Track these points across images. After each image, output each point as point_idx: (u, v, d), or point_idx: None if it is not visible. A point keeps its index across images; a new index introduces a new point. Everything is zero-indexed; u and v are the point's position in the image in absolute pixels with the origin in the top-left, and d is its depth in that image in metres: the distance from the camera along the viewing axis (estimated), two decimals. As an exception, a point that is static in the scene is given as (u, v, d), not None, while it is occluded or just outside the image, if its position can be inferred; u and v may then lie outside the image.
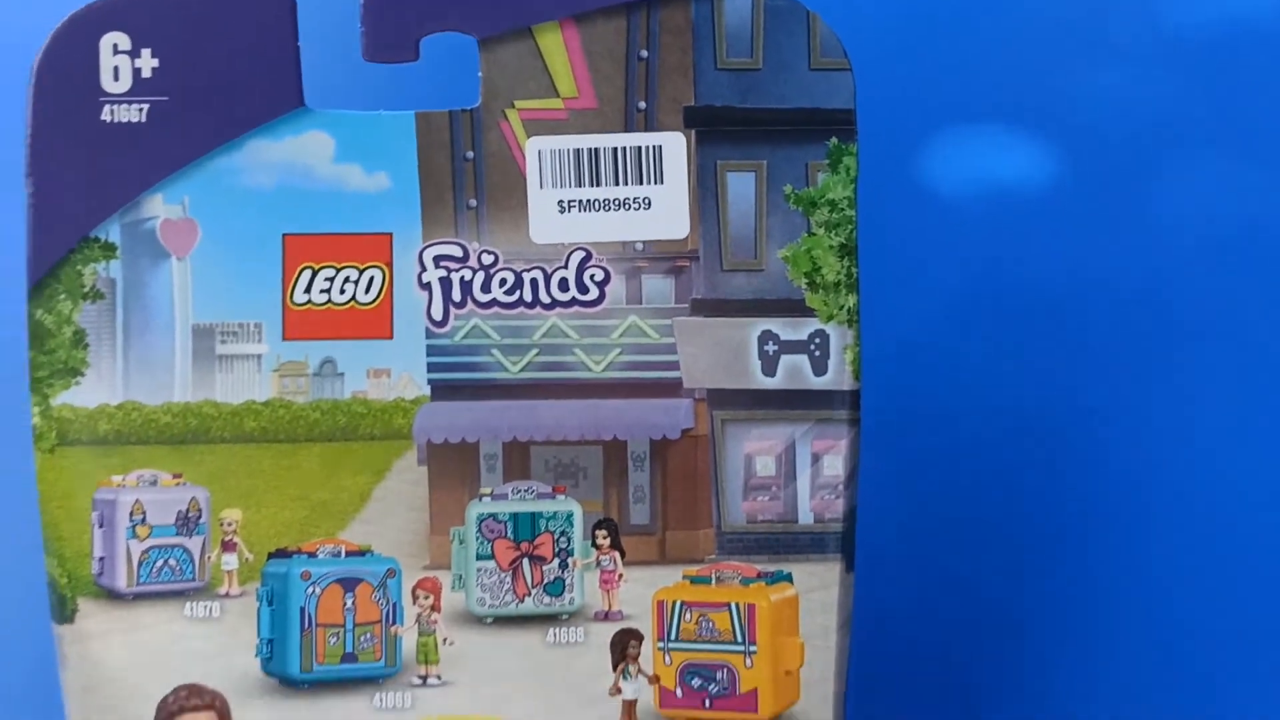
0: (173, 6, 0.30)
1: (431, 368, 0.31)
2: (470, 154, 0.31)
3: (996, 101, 0.45)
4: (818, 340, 0.31)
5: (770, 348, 0.31)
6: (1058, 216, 0.44)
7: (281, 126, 0.30)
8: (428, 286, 0.31)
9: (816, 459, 0.31)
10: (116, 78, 0.30)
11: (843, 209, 0.31)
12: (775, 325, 0.31)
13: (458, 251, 0.31)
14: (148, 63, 0.30)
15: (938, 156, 0.44)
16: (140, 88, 0.30)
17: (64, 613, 0.30)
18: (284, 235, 0.30)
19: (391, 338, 0.31)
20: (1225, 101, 0.45)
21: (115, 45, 0.30)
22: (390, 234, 0.31)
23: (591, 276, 0.31)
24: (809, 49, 0.31)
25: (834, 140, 0.31)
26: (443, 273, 0.31)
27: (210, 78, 0.30)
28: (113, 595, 0.30)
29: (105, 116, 0.30)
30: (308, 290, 0.30)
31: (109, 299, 0.30)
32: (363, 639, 0.30)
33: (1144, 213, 0.44)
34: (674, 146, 0.31)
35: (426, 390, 0.31)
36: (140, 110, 0.30)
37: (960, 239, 0.44)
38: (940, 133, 0.44)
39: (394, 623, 0.31)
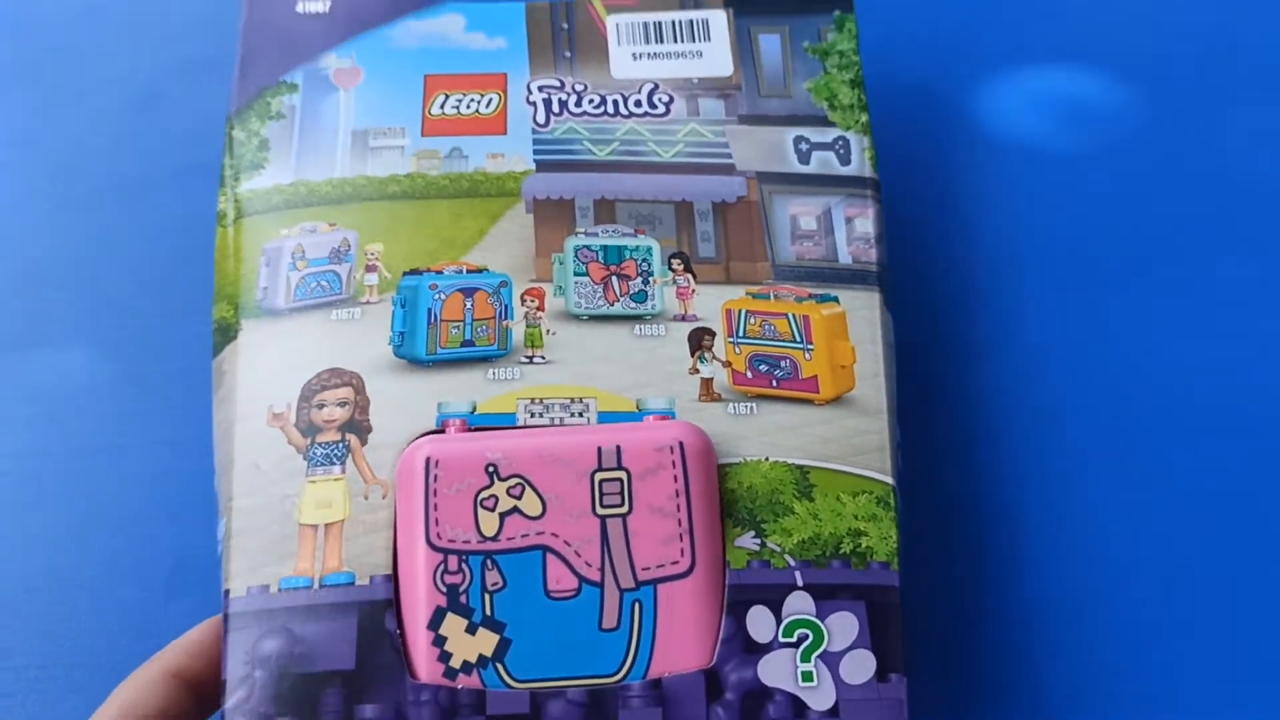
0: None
1: (537, 152, 0.39)
2: (565, 25, 0.42)
3: (1062, 42, 0.47)
4: (841, 142, 0.40)
5: (804, 146, 0.40)
6: (1127, 158, 0.45)
7: (426, 11, 0.42)
8: (533, 103, 0.40)
9: (849, 220, 0.39)
10: (311, -13, 0.42)
11: (849, 56, 0.41)
12: (806, 131, 0.40)
13: (556, 83, 0.41)
14: (335, -22, 0.42)
15: (1004, 97, 0.46)
16: (327, -7, 0.42)
17: (227, 338, 0.36)
18: (425, 75, 0.41)
19: (505, 133, 0.40)
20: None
21: (312, -31, 0.42)
22: (505, 74, 0.41)
23: (660, 98, 0.41)
24: (810, -43, 0.43)
25: (838, 12, 0.42)
26: (545, 95, 0.40)
27: (378, -11, 0.42)
28: (273, 313, 0.36)
29: (299, 8, 0.42)
30: (441, 107, 0.40)
31: (289, 119, 0.40)
32: (479, 329, 0.36)
33: (1214, 156, 0.45)
34: (717, 19, 0.42)
35: (533, 166, 0.39)
36: (324, 4, 0.42)
37: (1025, 181, 0.45)
38: (1005, 72, 0.46)
39: (506, 318, 0.36)
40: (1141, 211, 0.44)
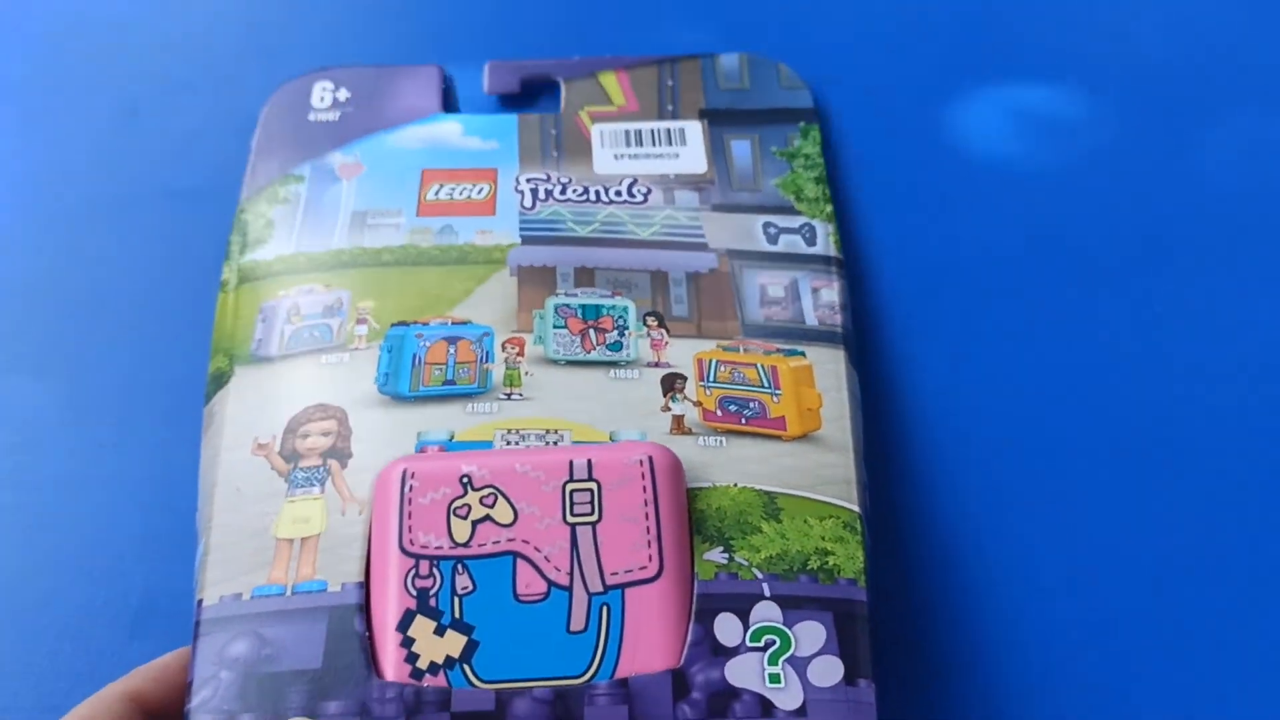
0: (366, 77, 0.47)
1: (523, 229, 0.42)
2: (554, 131, 0.46)
3: (1033, 57, 0.48)
4: (807, 228, 0.43)
5: (772, 230, 0.43)
6: (1099, 173, 0.45)
7: (426, 121, 0.46)
8: (521, 191, 0.44)
9: (815, 290, 0.41)
10: (321, 100, 0.46)
11: (814, 158, 0.45)
12: (774, 218, 0.44)
13: (543, 176, 0.44)
14: (344, 93, 0.47)
15: (976, 113, 0.47)
16: (336, 105, 0.46)
17: (220, 384, 0.38)
18: (422, 169, 0.44)
19: (494, 214, 0.43)
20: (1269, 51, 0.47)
21: (323, 85, 0.47)
22: (496, 168, 0.45)
23: (639, 189, 0.44)
24: (778, 77, 0.48)
25: (803, 123, 0.46)
26: (533, 185, 0.44)
27: (382, 102, 0.46)
28: (265, 360, 0.39)
29: (311, 118, 0.46)
30: (436, 193, 0.44)
31: (294, 204, 0.43)
32: (461, 371, 0.38)
33: (1188, 169, 0.45)
34: (693, 127, 0.46)
35: (519, 240, 0.42)
36: (335, 114, 0.46)
37: (998, 197, 0.45)
38: (979, 89, 0.47)
39: (487, 362, 0.39)
40: (1115, 226, 0.45)
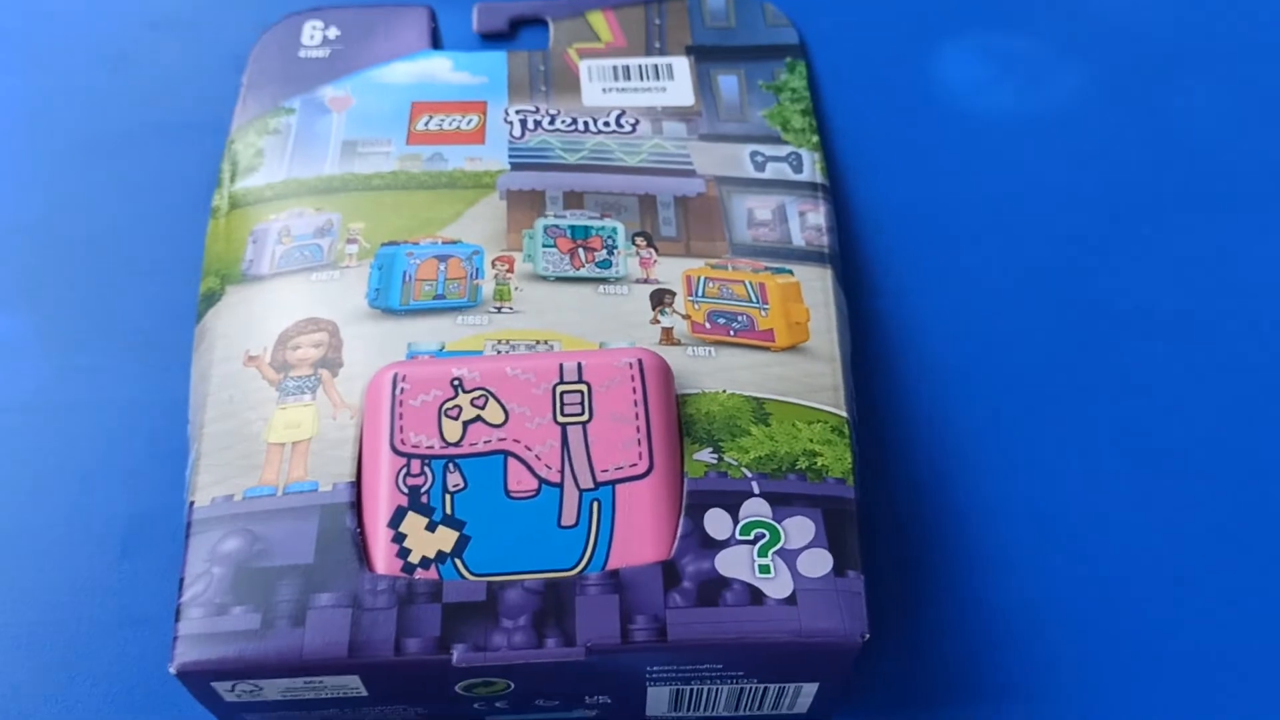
0: (355, 16, 0.48)
1: (512, 156, 0.43)
2: (542, 67, 0.46)
3: (1013, 12, 0.48)
4: (794, 156, 0.44)
5: (759, 158, 0.44)
6: (1077, 131, 0.45)
7: (415, 57, 0.46)
8: (510, 122, 0.44)
9: (802, 214, 0.42)
10: (311, 38, 0.47)
11: (800, 92, 0.46)
12: (761, 147, 0.44)
13: (533, 108, 0.45)
14: (333, 31, 0.47)
15: (957, 53, 0.47)
16: (326, 43, 0.47)
17: (211, 302, 0.39)
18: (412, 102, 0.45)
19: (484, 143, 0.43)
20: (1247, 15, 0.47)
21: (313, 24, 0.47)
22: (485, 101, 0.45)
23: (627, 120, 0.44)
24: (763, 16, 0.48)
25: (789, 59, 0.47)
26: (521, 116, 0.44)
27: (371, 41, 0.47)
28: (256, 278, 0.39)
29: (301, 54, 0.46)
30: (426, 124, 0.44)
31: (285, 134, 0.44)
32: (451, 286, 0.38)
33: (1165, 130, 0.45)
34: (680, 63, 0.47)
35: (508, 167, 0.42)
36: (325, 51, 0.46)
37: (977, 135, 0.45)
38: (961, 29, 0.47)
39: (477, 278, 0.39)
40: (1091, 169, 0.45)
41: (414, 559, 0.32)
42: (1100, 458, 0.38)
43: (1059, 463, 0.38)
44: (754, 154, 0.43)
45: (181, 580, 0.32)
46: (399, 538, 0.32)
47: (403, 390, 0.34)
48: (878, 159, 0.45)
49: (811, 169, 0.42)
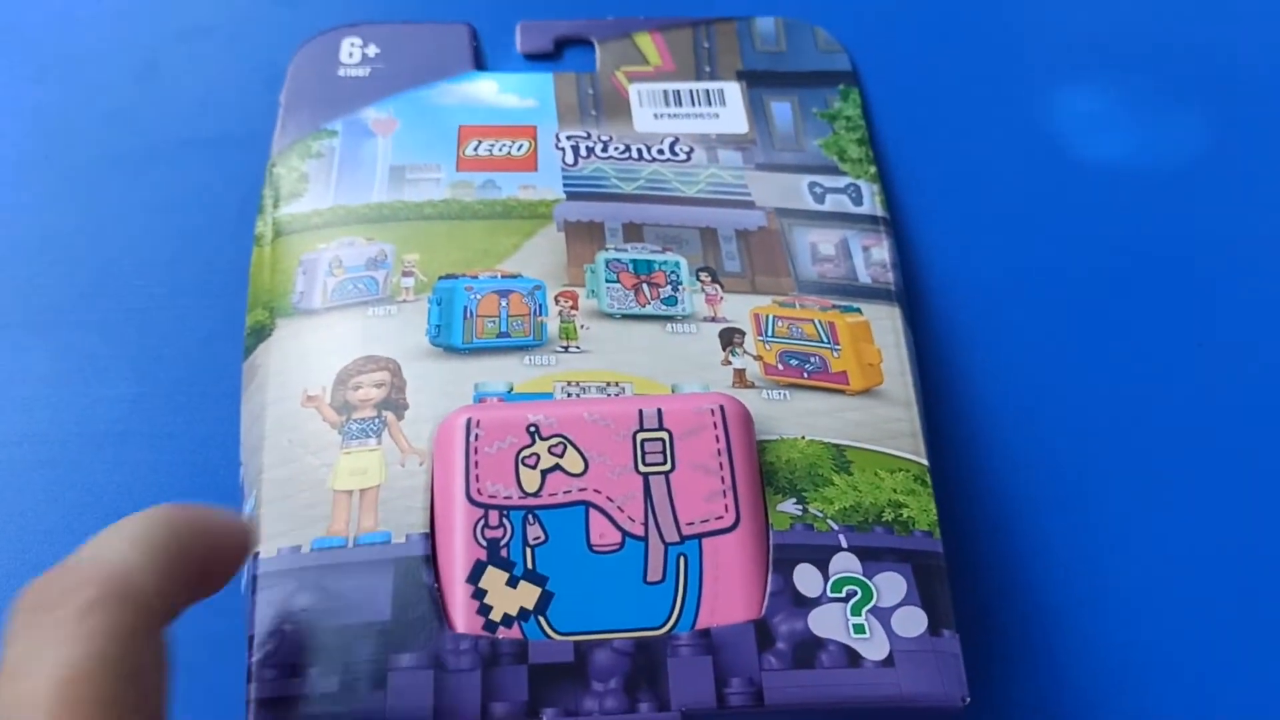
0: (395, 33, 0.46)
1: (566, 185, 0.41)
2: (591, 90, 0.45)
3: (1131, 55, 0.47)
4: (853, 188, 0.43)
5: (818, 189, 0.43)
6: (1199, 188, 0.44)
7: (460, 79, 0.45)
8: (562, 148, 0.43)
9: (866, 249, 0.41)
10: (350, 56, 0.45)
11: (855, 120, 0.45)
12: (819, 178, 0.43)
13: (583, 134, 0.43)
14: (373, 49, 0.46)
15: (1011, 100, 0.46)
16: (365, 61, 0.45)
17: (261, 337, 0.37)
18: (459, 126, 0.43)
19: (536, 170, 0.42)
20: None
21: (352, 41, 0.46)
22: (535, 125, 0.44)
23: (681, 148, 0.43)
24: (814, 40, 0.47)
25: (842, 85, 0.46)
26: (573, 142, 0.43)
27: (412, 60, 0.45)
28: (308, 312, 0.37)
29: (340, 73, 0.45)
30: (475, 149, 0.42)
31: (329, 158, 0.42)
32: (514, 323, 0.37)
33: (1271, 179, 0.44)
34: (731, 88, 0.45)
35: (564, 196, 0.41)
36: (365, 70, 0.45)
37: (1096, 204, 0.44)
38: (1013, 74, 0.46)
39: (541, 315, 0.37)
40: (1156, 213, 0.44)
41: (496, 616, 0.30)
42: (1194, 501, 0.37)
43: (1144, 508, 0.37)
44: (813, 185, 0.42)
45: (251, 638, 0.30)
46: (479, 594, 0.30)
47: (477, 437, 0.32)
48: (933, 191, 0.44)
49: (871, 201, 0.41)
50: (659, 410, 0.33)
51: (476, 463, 0.32)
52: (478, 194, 0.40)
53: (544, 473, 0.32)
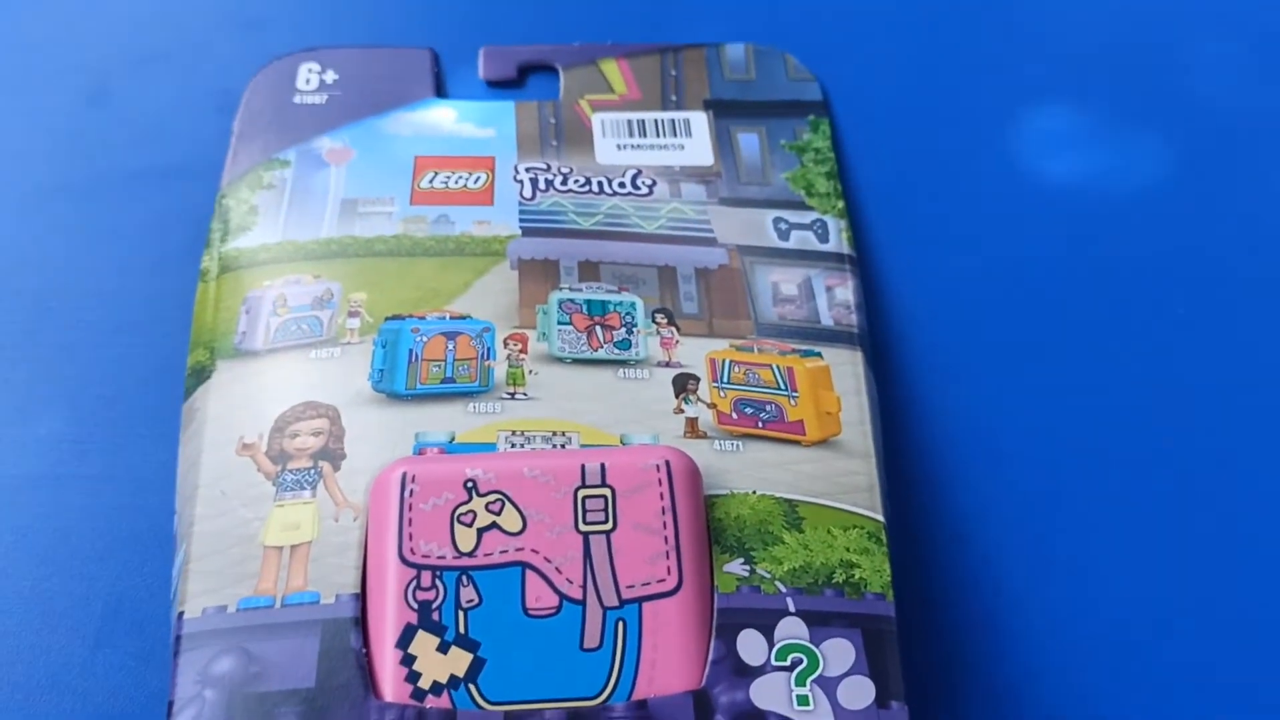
0: (354, 59, 0.45)
1: (523, 220, 0.40)
2: (553, 120, 0.44)
3: (1098, 82, 0.46)
4: (819, 224, 0.41)
5: (783, 225, 0.41)
6: (1160, 208, 0.43)
7: (418, 106, 0.44)
8: (520, 180, 0.41)
9: (830, 289, 0.40)
10: (308, 82, 0.44)
11: (824, 152, 0.43)
12: (785, 213, 0.42)
13: (543, 165, 0.42)
14: (331, 75, 0.44)
15: (1036, 139, 0.44)
16: (323, 88, 0.44)
17: (201, 379, 0.36)
18: (415, 156, 0.42)
19: (493, 204, 0.41)
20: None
21: (309, 67, 0.44)
22: (494, 156, 0.42)
23: (643, 181, 0.42)
24: (785, 69, 0.46)
25: (812, 116, 0.44)
26: (532, 174, 0.42)
27: (371, 86, 0.44)
28: (249, 353, 0.36)
29: (296, 100, 0.43)
30: (430, 181, 0.41)
31: (280, 189, 0.41)
32: (461, 368, 0.36)
33: (1256, 210, 0.43)
34: (698, 118, 0.44)
35: (519, 232, 0.40)
36: (322, 96, 0.44)
37: (1010, 198, 0.43)
38: (992, 106, 0.45)
39: (488, 359, 0.36)
40: (1129, 236, 0.43)
41: (425, 684, 0.29)
42: (1162, 558, 0.36)
43: (1114, 567, 0.36)
44: (777, 220, 0.41)
45: (171, 704, 0.29)
46: (408, 659, 0.29)
47: (412, 492, 0.31)
48: (902, 226, 0.43)
49: (838, 238, 0.40)
50: (602, 465, 0.32)
51: (410, 520, 0.31)
52: (431, 229, 0.39)
53: (480, 531, 0.31)
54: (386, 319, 0.36)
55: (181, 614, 0.30)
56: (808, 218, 0.41)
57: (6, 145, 0.43)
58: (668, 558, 0.31)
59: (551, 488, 0.31)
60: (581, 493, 0.31)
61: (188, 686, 0.29)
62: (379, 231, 0.39)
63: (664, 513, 0.31)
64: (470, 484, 0.31)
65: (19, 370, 0.38)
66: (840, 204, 0.41)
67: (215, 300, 0.37)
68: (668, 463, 0.32)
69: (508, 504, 0.31)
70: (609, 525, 0.31)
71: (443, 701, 0.29)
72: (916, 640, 0.33)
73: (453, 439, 0.34)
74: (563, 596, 0.30)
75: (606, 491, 0.31)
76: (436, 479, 0.31)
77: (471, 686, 0.29)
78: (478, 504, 0.31)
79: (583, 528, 0.31)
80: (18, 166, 0.43)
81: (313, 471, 0.33)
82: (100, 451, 0.37)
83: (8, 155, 0.43)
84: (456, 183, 0.40)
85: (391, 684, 0.29)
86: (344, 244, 0.38)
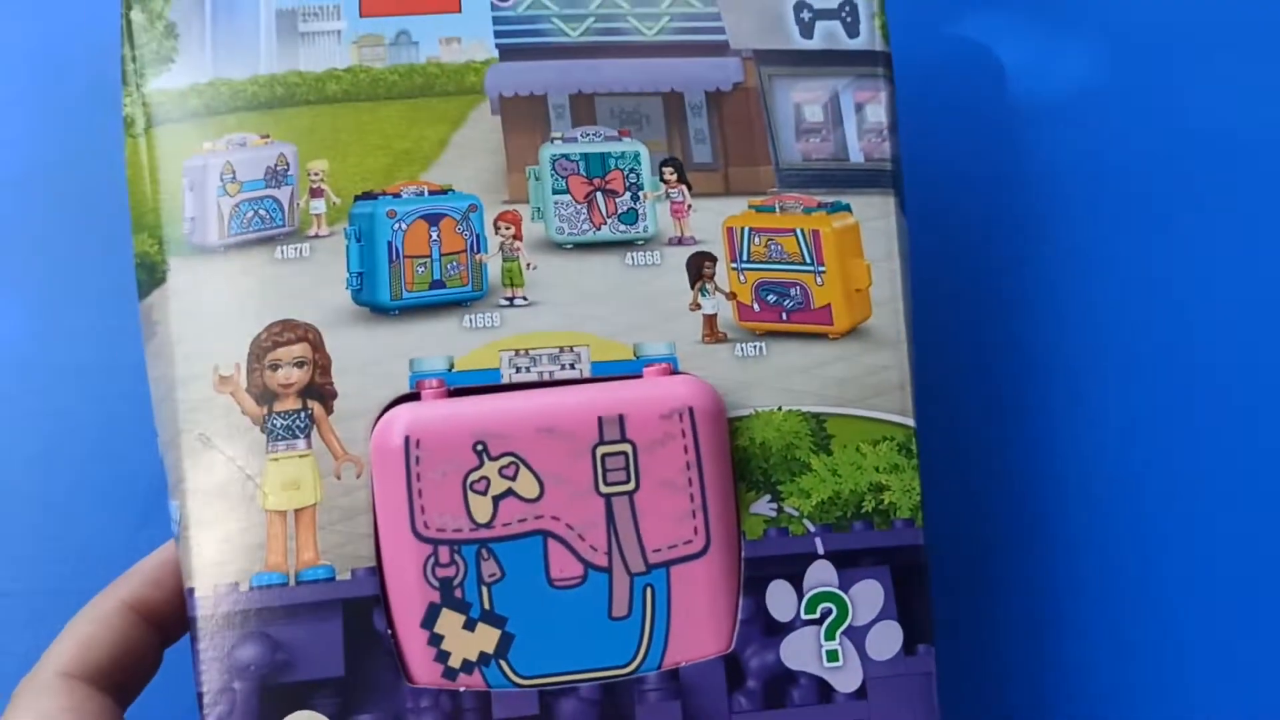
0: None
1: (498, 34, 0.33)
2: None
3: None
4: (847, 7, 0.34)
5: (805, 14, 0.34)
6: (1086, 117, 0.43)
7: None
8: (491, -30, 0.34)
9: (860, 107, 0.34)
10: None
11: (853, -102, 0.35)
12: (807, -4, 0.35)
13: (516, -57, 0.34)
14: None
15: (968, 54, 0.43)
16: None
17: (154, 279, 0.31)
18: (359, -64, 0.34)
19: (460, 11, 0.33)
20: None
21: None
22: (455, -67, 0.34)
23: (638, -41, 0.34)
24: None
25: None
26: (504, -41, 0.34)
27: None
28: (204, 250, 0.31)
29: None
30: (382, -23, 0.33)
31: (197, -5, 0.33)
32: (449, 267, 0.31)
33: (1177, 119, 0.43)
34: None
35: (495, 54, 0.33)
36: None
37: (985, 138, 0.42)
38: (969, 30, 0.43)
39: (479, 251, 0.32)
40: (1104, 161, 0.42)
41: (455, 663, 0.29)
42: (1196, 511, 0.35)
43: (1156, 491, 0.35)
44: (799, 7, 0.34)
45: (200, 696, 0.29)
46: (435, 639, 0.29)
47: (418, 460, 0.29)
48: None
49: (870, 28, 0.34)
50: (620, 418, 0.29)
51: (420, 491, 0.29)
52: (390, 55, 0.33)
53: (496, 500, 0.29)
54: (356, 198, 0.32)
55: (192, 591, 0.29)
56: (834, 1, 0.35)
57: None
58: (694, 517, 0.29)
59: (568, 445, 0.29)
60: (600, 450, 0.29)
61: (215, 677, 0.29)
62: (329, 63, 0.33)
63: (688, 468, 0.30)
64: (480, 446, 0.29)
65: (53, 268, 0.34)
66: (872, -27, 0.35)
67: (150, 167, 0.32)
68: (690, 410, 0.30)
69: (522, 467, 0.29)
70: (631, 485, 0.29)
71: (475, 680, 0.29)
72: (943, 561, 0.33)
73: (451, 366, 0.31)
74: (588, 565, 0.29)
75: (627, 448, 0.29)
76: (444, 442, 0.29)
77: (502, 662, 0.29)
78: (490, 469, 0.29)
79: (604, 489, 0.29)
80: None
81: (303, 415, 0.30)
82: (135, 345, 0.34)
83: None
84: (414, -23, 0.33)
85: (421, 666, 0.29)
86: (290, 85, 0.32)
